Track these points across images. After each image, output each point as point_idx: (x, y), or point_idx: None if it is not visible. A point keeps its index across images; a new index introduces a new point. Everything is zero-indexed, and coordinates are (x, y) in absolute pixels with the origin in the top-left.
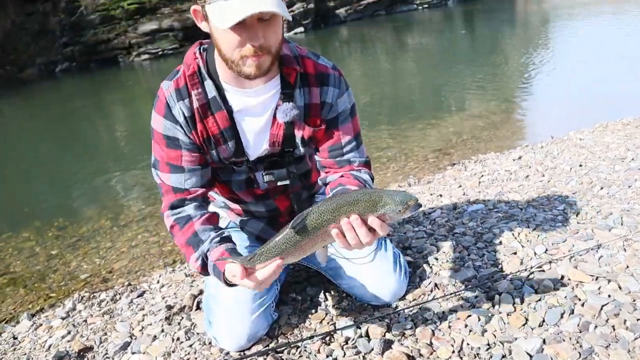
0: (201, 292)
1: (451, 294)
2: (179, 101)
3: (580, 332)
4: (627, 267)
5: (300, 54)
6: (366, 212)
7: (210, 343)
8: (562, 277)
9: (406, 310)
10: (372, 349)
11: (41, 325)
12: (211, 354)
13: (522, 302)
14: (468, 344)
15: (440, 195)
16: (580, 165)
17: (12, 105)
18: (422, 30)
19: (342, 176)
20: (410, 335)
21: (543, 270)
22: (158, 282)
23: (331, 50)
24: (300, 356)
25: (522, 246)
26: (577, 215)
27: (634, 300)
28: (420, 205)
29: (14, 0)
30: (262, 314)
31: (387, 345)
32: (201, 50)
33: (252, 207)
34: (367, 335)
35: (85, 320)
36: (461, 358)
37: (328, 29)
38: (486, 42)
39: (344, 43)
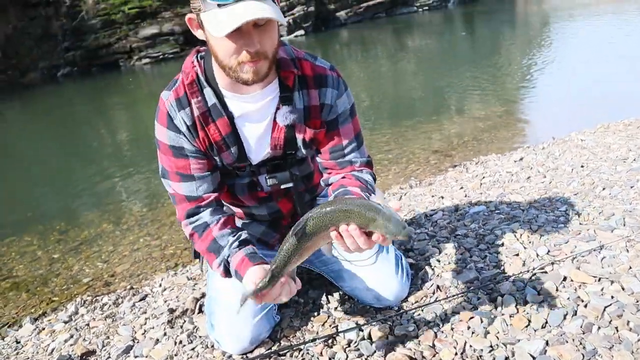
0: (203, 295)
1: (453, 295)
2: (179, 111)
3: (584, 333)
4: (630, 268)
5: (297, 56)
6: (361, 225)
7: (212, 346)
8: (565, 278)
9: (408, 313)
10: (375, 352)
11: (44, 329)
12: (214, 357)
13: (524, 303)
14: (471, 346)
15: (442, 197)
16: (582, 166)
17: (14, 110)
18: (422, 32)
19: (343, 177)
20: (412, 338)
21: (545, 272)
22: (160, 285)
23: (332, 53)
24: (303, 359)
25: (524, 247)
26: (579, 216)
27: (637, 301)
28: (412, 238)
29: (16, 5)
30: (265, 317)
31: (390, 347)
32: (199, 58)
33: (254, 211)
34: (369, 337)
35: (88, 324)
36: None
37: (328, 32)
38: (486, 43)
39: (344, 46)
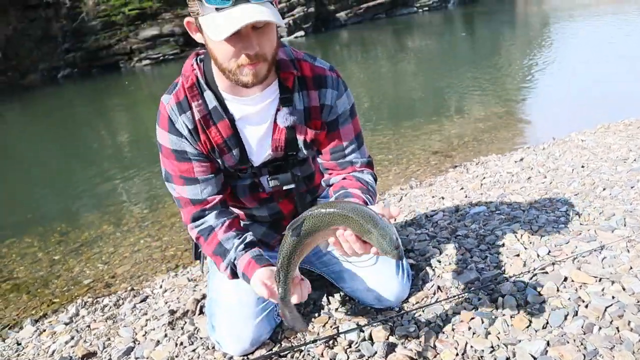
0: (204, 297)
1: (454, 296)
2: (181, 114)
3: (585, 333)
4: (631, 268)
5: (296, 57)
6: (357, 234)
7: (213, 347)
8: (566, 278)
9: (409, 313)
10: (376, 352)
11: (44, 330)
12: (214, 358)
13: (525, 304)
14: (472, 347)
15: (442, 198)
16: (583, 167)
17: (14, 111)
18: (422, 33)
19: (344, 178)
20: (413, 338)
21: (546, 272)
22: (161, 286)
23: (332, 53)
24: None
25: (525, 248)
26: (579, 217)
27: (638, 302)
28: (401, 259)
29: (16, 7)
30: (265, 318)
31: (391, 348)
32: (198, 61)
33: (255, 212)
34: (370, 338)
35: (89, 326)
36: None
37: (329, 33)
38: (486, 44)
39: (344, 46)
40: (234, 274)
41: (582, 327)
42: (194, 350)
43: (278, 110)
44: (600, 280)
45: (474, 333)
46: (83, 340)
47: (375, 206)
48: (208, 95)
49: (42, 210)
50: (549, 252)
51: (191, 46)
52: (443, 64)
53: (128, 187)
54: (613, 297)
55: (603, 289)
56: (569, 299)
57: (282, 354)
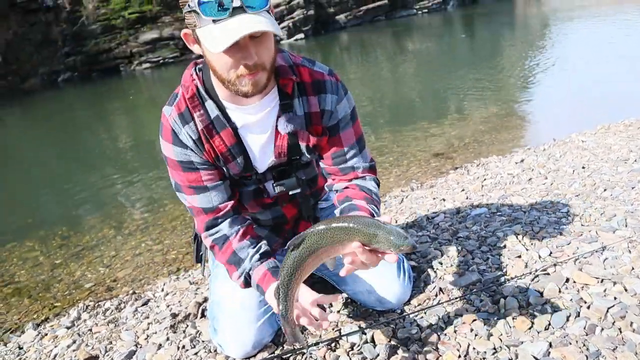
0: (206, 300)
1: (456, 298)
2: (184, 126)
3: (587, 335)
4: (633, 269)
5: (295, 62)
6: (364, 243)
7: (215, 350)
8: (567, 279)
9: (411, 315)
10: (378, 355)
11: (46, 334)
12: None
13: (527, 305)
14: (474, 349)
15: (444, 200)
16: (583, 167)
17: (14, 115)
18: (422, 34)
19: (347, 187)
20: (415, 340)
21: (548, 273)
22: (162, 290)
23: (332, 56)
24: None
25: (526, 249)
26: (580, 218)
27: None
28: (415, 248)
29: (16, 11)
30: (268, 321)
31: (393, 350)
32: (197, 71)
33: (258, 216)
34: (372, 340)
35: (90, 330)
36: None
37: (328, 35)
38: (486, 45)
39: (344, 49)
40: (247, 284)
41: (584, 328)
42: (196, 354)
43: (279, 116)
44: (602, 281)
45: (476, 335)
46: (85, 344)
47: (382, 217)
48: (209, 104)
49: (43, 214)
50: (551, 253)
51: (191, 50)
52: (443, 66)
53: (129, 191)
54: (615, 298)
55: (605, 290)
56: (571, 300)
57: (284, 356)
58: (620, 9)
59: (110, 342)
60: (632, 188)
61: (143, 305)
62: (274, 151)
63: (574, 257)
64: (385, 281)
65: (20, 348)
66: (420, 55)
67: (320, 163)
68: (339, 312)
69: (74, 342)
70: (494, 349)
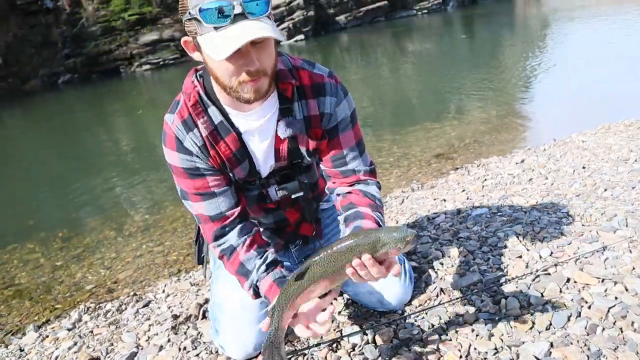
0: (207, 301)
1: (457, 298)
2: (188, 133)
3: (588, 334)
4: (633, 268)
5: (294, 65)
6: (371, 252)
7: (217, 352)
8: (568, 279)
9: (412, 316)
10: (380, 355)
11: (47, 336)
12: None
13: (528, 305)
14: (475, 349)
15: (444, 200)
16: (584, 168)
17: (15, 117)
18: (422, 35)
19: (350, 192)
20: (417, 341)
21: (549, 274)
22: (163, 291)
23: (332, 57)
24: None
25: (527, 249)
26: (581, 218)
27: None
28: (419, 237)
29: (16, 13)
30: None
31: (394, 351)
32: (198, 77)
33: (260, 219)
34: (374, 341)
35: (92, 331)
36: None
37: (328, 36)
38: (486, 46)
39: (344, 50)
40: (257, 295)
41: (585, 328)
42: (197, 355)
43: (278, 120)
44: (603, 281)
45: (477, 335)
46: (86, 346)
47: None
48: (212, 110)
49: (44, 216)
50: (551, 253)
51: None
52: (443, 66)
53: (129, 193)
54: (616, 298)
55: (606, 290)
56: (572, 300)
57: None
58: (620, 8)
59: (112, 344)
60: (633, 188)
61: (144, 306)
62: (275, 155)
63: (574, 257)
64: (386, 282)
65: (22, 350)
66: (420, 55)
67: (320, 165)
68: (340, 313)
69: (75, 344)
70: (495, 349)
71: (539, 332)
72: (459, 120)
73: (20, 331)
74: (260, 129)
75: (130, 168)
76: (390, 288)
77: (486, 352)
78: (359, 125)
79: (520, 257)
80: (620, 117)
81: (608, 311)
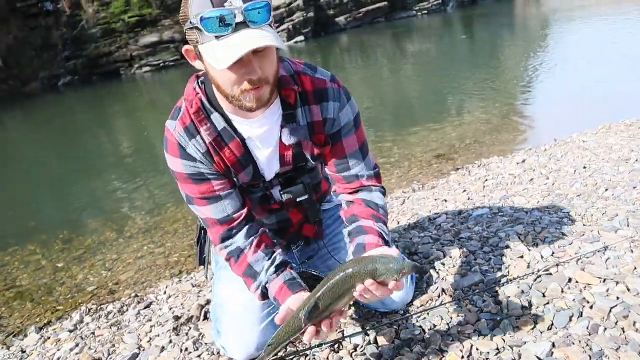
0: (208, 302)
1: (459, 299)
2: (190, 140)
3: (590, 335)
4: (635, 268)
5: (296, 70)
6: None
7: (218, 353)
8: (570, 280)
9: (414, 317)
10: (382, 356)
11: (49, 338)
12: None
13: (530, 305)
14: (477, 349)
15: (445, 201)
16: (585, 168)
17: (15, 119)
18: (422, 36)
19: (353, 202)
20: (419, 342)
21: (550, 274)
22: (165, 293)
23: (332, 58)
24: None
25: (529, 250)
26: (582, 218)
27: None
28: (417, 267)
29: (17, 16)
30: (271, 323)
31: (397, 351)
32: (200, 84)
33: (263, 220)
34: (375, 342)
35: (93, 333)
36: None
37: (328, 37)
38: (486, 46)
39: (344, 51)
40: (265, 296)
41: (587, 328)
42: (199, 356)
43: (282, 127)
44: (604, 281)
45: (479, 335)
46: (88, 348)
47: (391, 250)
48: (216, 117)
49: (45, 217)
50: (553, 253)
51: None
52: (443, 67)
53: (130, 194)
54: (618, 298)
55: (608, 290)
56: (574, 300)
57: (287, 358)
58: (620, 9)
59: (113, 345)
60: (634, 188)
61: (146, 308)
62: (279, 160)
63: (576, 257)
64: None
65: (24, 352)
66: (420, 56)
67: (325, 169)
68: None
69: (77, 345)
70: (497, 349)
71: (541, 333)
72: (459, 121)
73: (22, 333)
74: (264, 135)
75: (131, 170)
76: None
77: (488, 353)
78: (363, 127)
79: (522, 257)
80: (621, 117)
81: (610, 311)
